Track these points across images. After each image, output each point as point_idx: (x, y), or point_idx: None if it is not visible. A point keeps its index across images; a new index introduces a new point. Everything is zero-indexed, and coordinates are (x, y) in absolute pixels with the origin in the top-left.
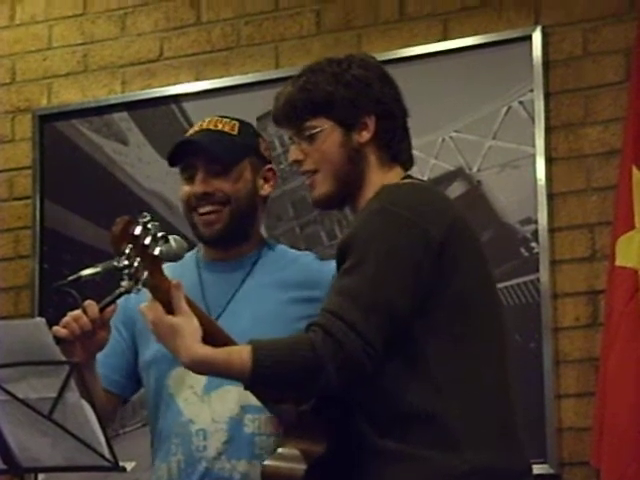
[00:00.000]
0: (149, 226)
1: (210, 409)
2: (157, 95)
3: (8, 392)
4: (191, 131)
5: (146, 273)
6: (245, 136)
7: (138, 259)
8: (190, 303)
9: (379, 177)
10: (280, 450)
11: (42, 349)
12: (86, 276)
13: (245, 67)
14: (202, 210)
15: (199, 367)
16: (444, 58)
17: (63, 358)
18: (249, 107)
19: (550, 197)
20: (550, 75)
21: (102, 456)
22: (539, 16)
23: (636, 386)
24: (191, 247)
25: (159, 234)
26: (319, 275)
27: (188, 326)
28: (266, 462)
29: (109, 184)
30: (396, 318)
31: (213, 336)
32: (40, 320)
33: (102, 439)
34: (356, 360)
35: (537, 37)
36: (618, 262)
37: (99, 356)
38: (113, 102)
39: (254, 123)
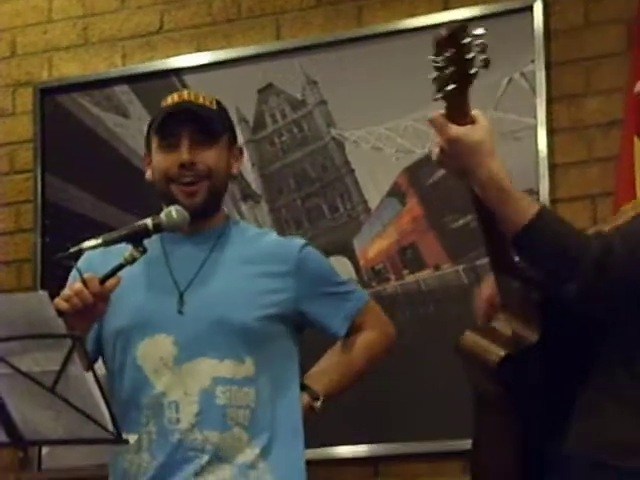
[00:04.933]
0: (478, 42)
1: (182, 381)
2: (158, 68)
3: (11, 365)
4: (170, 101)
5: (453, 86)
6: (223, 113)
7: (452, 68)
8: None
9: None
10: (491, 324)
11: (45, 322)
12: (87, 248)
13: (246, 39)
14: (185, 180)
15: (492, 186)
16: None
17: (66, 331)
18: (250, 80)
19: (551, 168)
20: (551, 46)
21: (105, 429)
22: None
23: None
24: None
25: (484, 56)
26: (283, 250)
27: (489, 143)
28: (467, 332)
29: (110, 157)
30: None
31: None
32: (42, 293)
33: (105, 412)
34: (604, 285)
35: (538, 7)
36: None
37: None
38: (114, 75)
39: (255, 95)
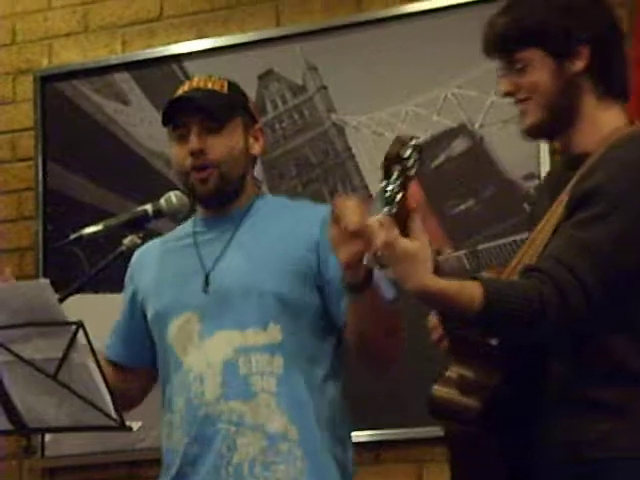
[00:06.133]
0: (418, 149)
1: (205, 355)
2: (158, 55)
3: (14, 353)
4: (181, 90)
5: (400, 195)
6: (235, 94)
7: (399, 181)
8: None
9: (596, 112)
10: (449, 374)
11: (47, 310)
12: (88, 235)
13: (246, 25)
14: (198, 166)
15: (426, 298)
16: (445, 14)
17: (68, 319)
18: (250, 66)
19: (552, 152)
20: None
21: (108, 415)
22: None
23: None
24: (191, 203)
25: (421, 157)
26: (308, 218)
27: (423, 254)
28: (436, 387)
29: (111, 144)
30: (629, 283)
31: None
32: (44, 281)
33: (108, 399)
34: (576, 318)
35: None
36: None
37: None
38: (114, 62)
39: (255, 82)
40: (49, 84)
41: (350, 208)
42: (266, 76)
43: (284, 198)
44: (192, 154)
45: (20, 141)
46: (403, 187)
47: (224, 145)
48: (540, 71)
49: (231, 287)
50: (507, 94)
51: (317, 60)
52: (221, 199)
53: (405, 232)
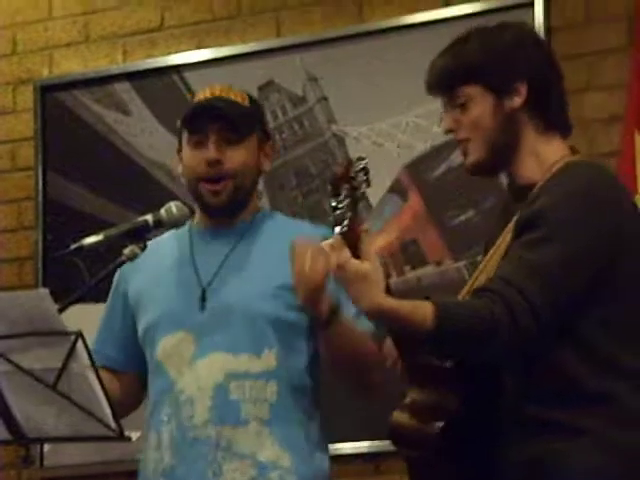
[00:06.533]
0: (365, 171)
1: (196, 377)
2: (158, 65)
3: (13, 363)
4: (202, 96)
5: (350, 214)
6: (254, 109)
7: (348, 200)
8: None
9: (537, 145)
10: (408, 400)
11: (46, 320)
12: (88, 245)
13: (246, 36)
14: (211, 177)
15: (380, 316)
16: (446, 25)
17: (67, 328)
18: (250, 77)
19: None
20: (552, 41)
21: (107, 426)
22: None
23: None
24: (192, 213)
25: (368, 178)
26: (311, 235)
27: (375, 274)
28: (395, 413)
29: (111, 154)
30: (577, 305)
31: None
32: (44, 291)
33: (107, 409)
34: (526, 339)
35: (539, 3)
36: None
37: (99, 336)
38: (114, 72)
39: (255, 92)
40: (49, 94)
41: (304, 253)
42: (266, 87)
43: (286, 217)
44: (209, 164)
45: (20, 151)
46: (352, 207)
47: (241, 157)
48: (481, 107)
49: (228, 307)
50: (449, 131)
51: (317, 71)
52: (231, 211)
53: (356, 253)
